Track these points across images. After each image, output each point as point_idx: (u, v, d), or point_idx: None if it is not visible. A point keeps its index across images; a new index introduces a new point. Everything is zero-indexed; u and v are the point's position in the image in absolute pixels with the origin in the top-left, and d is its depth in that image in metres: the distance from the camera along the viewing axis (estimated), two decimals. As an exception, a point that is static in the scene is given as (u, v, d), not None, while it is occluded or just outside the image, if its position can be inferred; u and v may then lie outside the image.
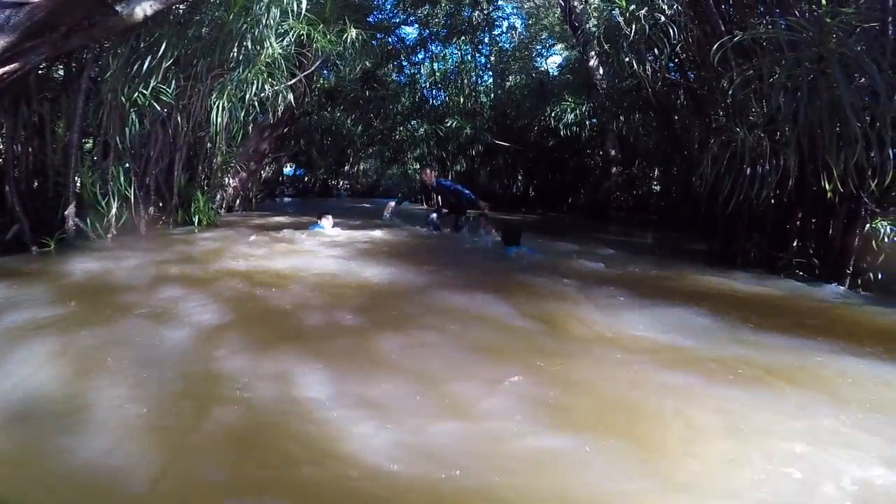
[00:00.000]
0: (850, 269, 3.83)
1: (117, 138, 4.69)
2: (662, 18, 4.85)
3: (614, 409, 1.74)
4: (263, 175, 11.49)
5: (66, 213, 4.32)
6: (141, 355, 2.05)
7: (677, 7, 4.86)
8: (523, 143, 12.81)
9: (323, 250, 4.70)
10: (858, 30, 3.64)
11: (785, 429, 1.62)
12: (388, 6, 13.75)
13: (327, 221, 6.06)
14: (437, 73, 14.65)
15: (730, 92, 4.31)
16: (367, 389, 1.79)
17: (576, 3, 10.13)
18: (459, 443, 1.49)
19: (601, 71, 10.14)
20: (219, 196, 7.43)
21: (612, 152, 11.02)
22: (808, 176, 3.96)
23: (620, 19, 4.99)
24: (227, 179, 7.71)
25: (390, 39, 13.69)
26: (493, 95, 15.09)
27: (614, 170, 11.15)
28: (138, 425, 1.53)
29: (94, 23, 3.99)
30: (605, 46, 5.60)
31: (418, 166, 14.53)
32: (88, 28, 3.98)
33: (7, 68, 3.54)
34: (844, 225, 3.89)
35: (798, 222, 4.25)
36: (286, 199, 14.91)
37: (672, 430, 1.60)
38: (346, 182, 19.25)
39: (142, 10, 4.18)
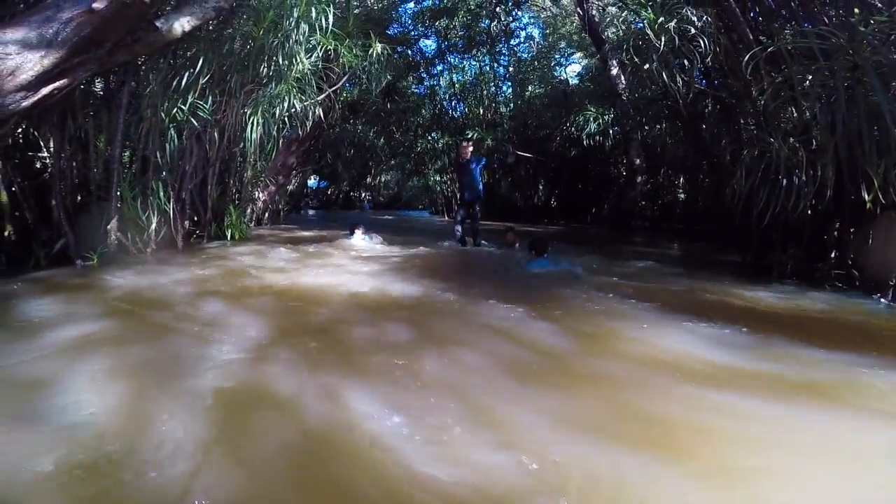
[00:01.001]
0: (893, 280, 3.74)
1: (157, 153, 4.83)
2: (692, 30, 4.82)
3: (668, 431, 1.72)
4: (290, 188, 11.71)
5: (108, 227, 4.44)
6: (192, 371, 2.08)
7: (706, 18, 4.82)
8: (545, 154, 12.76)
9: (357, 265, 4.76)
10: (893, 37, 3.59)
11: (837, 448, 1.60)
12: (407, 19, 14.00)
13: (358, 234, 6.18)
14: (457, 85, 14.76)
15: (761, 101, 4.27)
16: (413, 410, 1.79)
17: (594, 13, 10.15)
18: (503, 469, 1.48)
19: (623, 79, 10.08)
20: (249, 210, 7.59)
21: (637, 161, 10.84)
22: (845, 185, 3.89)
23: (650, 32, 4.97)
24: (257, 193, 7.88)
25: (410, 52, 13.87)
26: (512, 106, 15.12)
27: (639, 179, 10.99)
28: (192, 441, 1.55)
29: (137, 39, 4.14)
30: (633, 56, 5.57)
31: (439, 178, 14.58)
32: (131, 44, 4.12)
33: (57, 84, 3.67)
34: (885, 235, 3.81)
35: (836, 233, 4.17)
36: (311, 212, 15.10)
37: (727, 455, 1.58)
38: (368, 194, 19.49)
39: (180, 26, 4.34)
